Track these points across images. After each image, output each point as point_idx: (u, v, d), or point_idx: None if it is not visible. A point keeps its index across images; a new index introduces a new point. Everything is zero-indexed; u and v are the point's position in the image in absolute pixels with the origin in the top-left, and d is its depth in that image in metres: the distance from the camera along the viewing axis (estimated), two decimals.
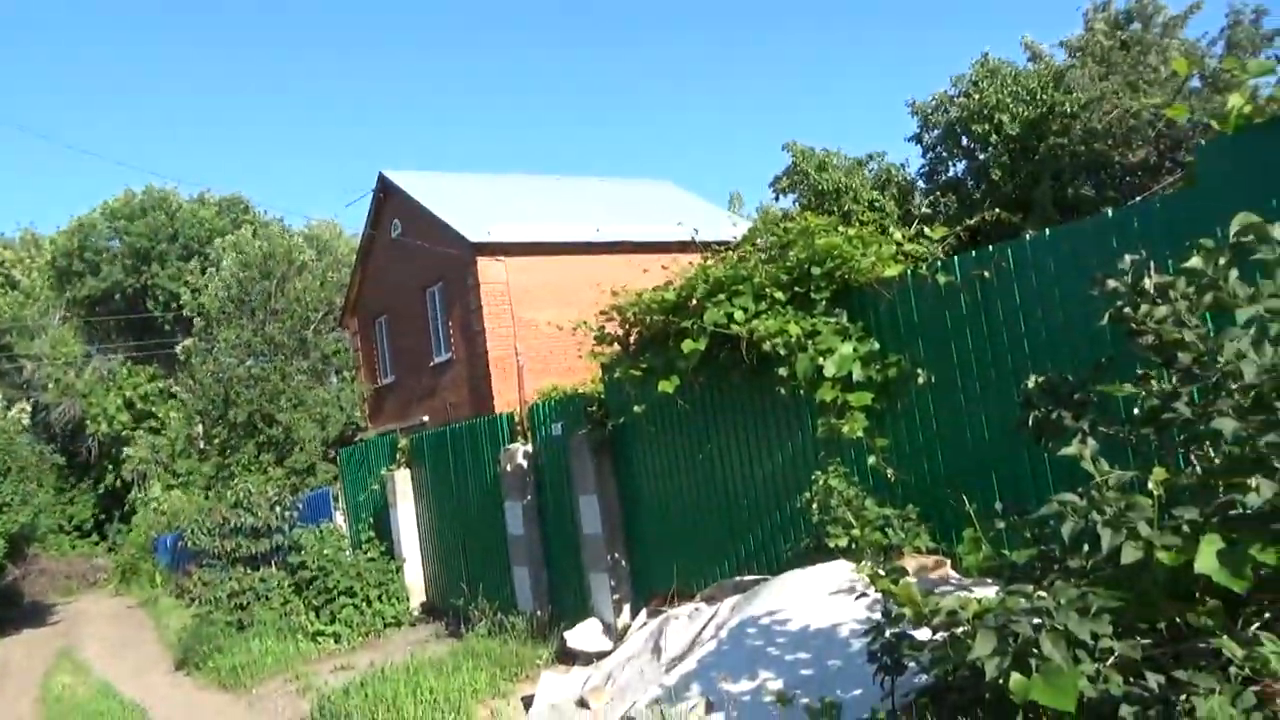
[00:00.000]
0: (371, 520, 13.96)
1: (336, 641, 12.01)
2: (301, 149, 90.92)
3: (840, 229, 7.01)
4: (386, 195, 22.54)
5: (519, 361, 13.28)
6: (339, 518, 15.31)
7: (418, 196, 21.00)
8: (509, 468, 10.45)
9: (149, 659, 15.47)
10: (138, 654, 16.16)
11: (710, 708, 5.09)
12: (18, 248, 44.40)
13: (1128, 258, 3.17)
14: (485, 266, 18.86)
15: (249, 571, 14.16)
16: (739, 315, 6.81)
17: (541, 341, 18.56)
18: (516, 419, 10.96)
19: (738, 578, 7.14)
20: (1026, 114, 20.22)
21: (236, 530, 14.54)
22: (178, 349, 32.65)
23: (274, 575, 13.87)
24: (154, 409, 35.59)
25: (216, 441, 23.73)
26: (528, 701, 7.39)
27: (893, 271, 6.41)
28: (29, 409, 32.09)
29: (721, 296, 7.02)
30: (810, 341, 6.42)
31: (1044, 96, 20.13)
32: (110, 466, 36.26)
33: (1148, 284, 3.09)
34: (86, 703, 12.07)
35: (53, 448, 35.10)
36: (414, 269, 21.16)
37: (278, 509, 14.83)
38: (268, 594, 13.51)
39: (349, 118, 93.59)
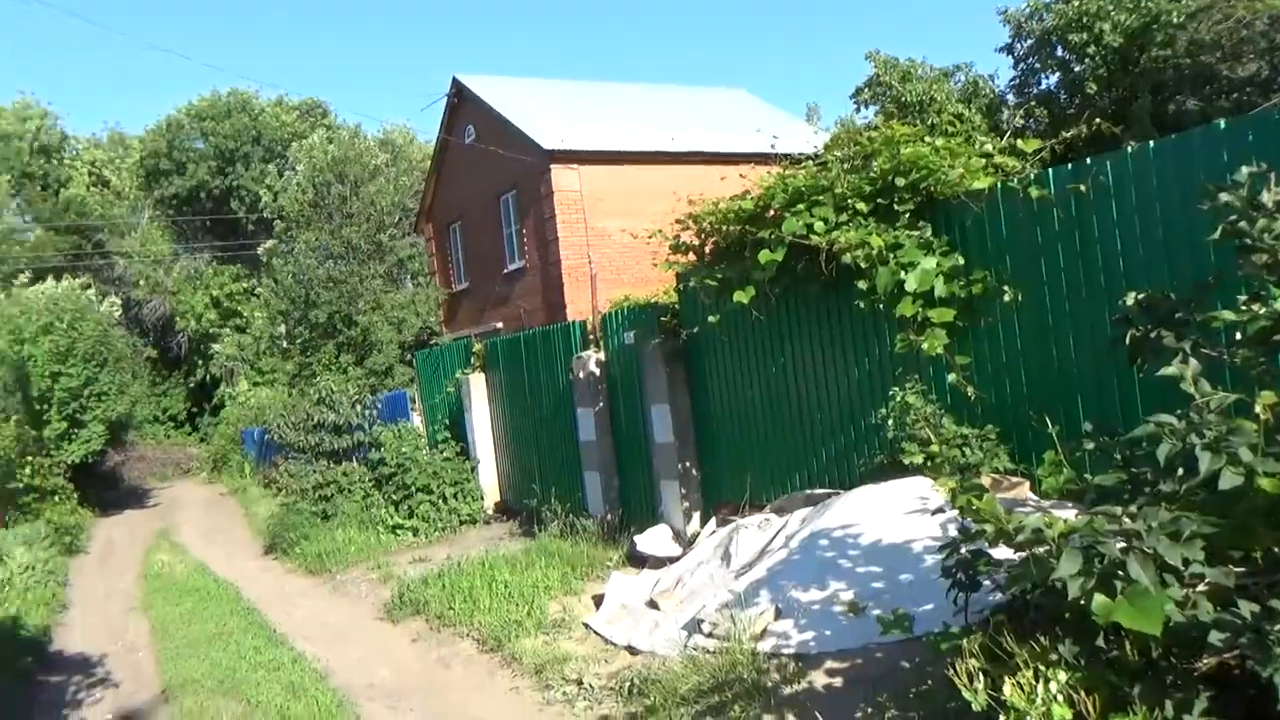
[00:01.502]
0: (447, 422, 14.35)
1: (414, 535, 12.52)
2: (378, 53, 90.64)
3: (927, 139, 6.77)
4: (461, 100, 22.41)
5: (592, 270, 13.29)
6: (415, 418, 15.77)
7: (492, 102, 20.83)
8: (581, 375, 10.59)
9: (239, 543, 16.39)
10: (229, 538, 17.12)
11: (779, 614, 5.20)
12: (107, 147, 45.67)
13: (1244, 170, 3.00)
14: (559, 174, 18.75)
15: (332, 465, 14.75)
16: (819, 226, 6.69)
17: (614, 251, 18.52)
18: (589, 327, 11.05)
19: (809, 490, 7.19)
20: (1129, 23, 18.98)
21: (320, 426, 15.11)
22: (260, 250, 33.48)
23: (355, 470, 14.42)
24: (239, 308, 36.81)
25: (298, 341, 24.48)
26: (598, 600, 7.64)
27: (982, 184, 6.19)
28: (119, 303, 33.41)
29: (801, 207, 6.89)
30: (892, 255, 6.29)
31: (1148, 4, 18.84)
32: (200, 362, 37.85)
33: (1266, 198, 2.93)
34: (184, 580, 12.90)
35: (145, 342, 36.78)
36: (487, 175, 21.16)
37: (358, 407, 15.33)
38: (350, 487, 14.08)
39: (425, 21, 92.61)
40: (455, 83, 22.34)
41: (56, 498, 18.92)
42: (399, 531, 12.68)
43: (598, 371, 10.46)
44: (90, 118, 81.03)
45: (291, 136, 37.79)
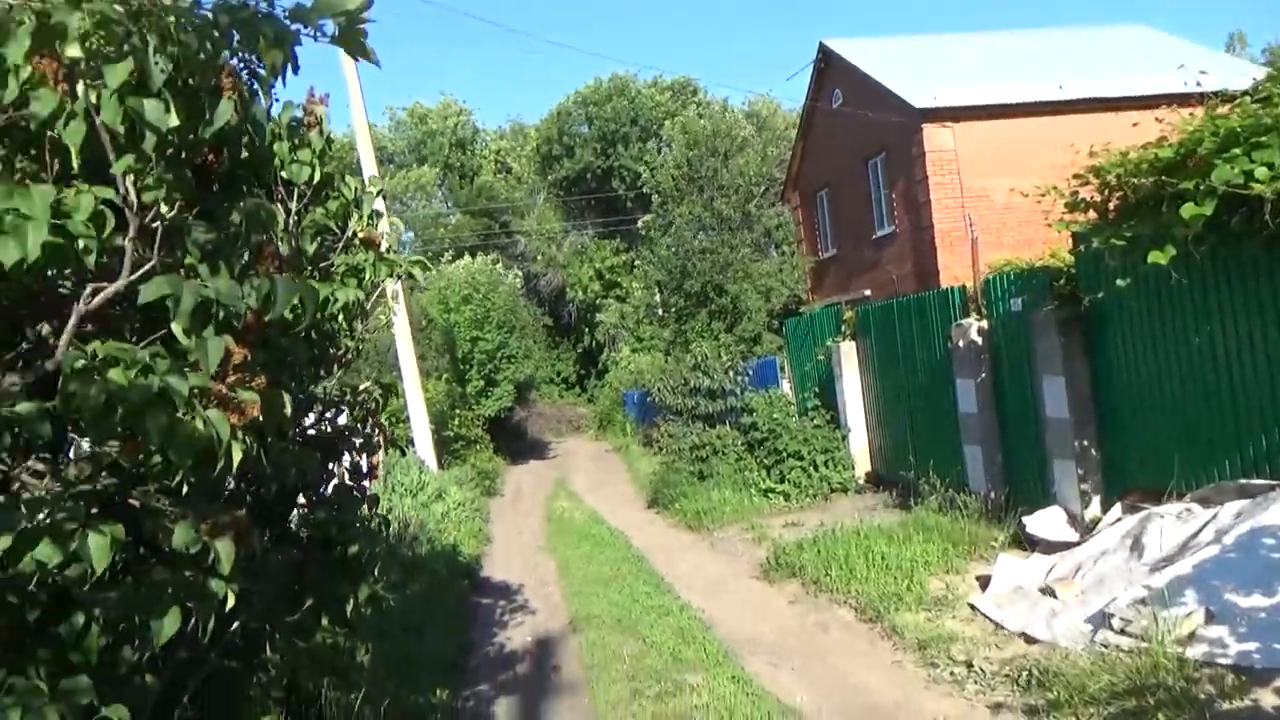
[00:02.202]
0: (816, 389, 14.44)
1: (785, 500, 12.81)
2: (742, 27, 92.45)
3: None
4: (827, 65, 22.17)
5: (972, 233, 12.53)
6: (785, 385, 16.07)
7: (860, 64, 20.36)
8: (961, 344, 10.10)
9: (624, 496, 17.86)
10: (615, 491, 18.72)
11: (1210, 618, 4.62)
12: (509, 137, 51.53)
13: None
14: (931, 134, 17.90)
15: (706, 428, 15.52)
16: (1260, 173, 5.75)
17: (992, 212, 17.35)
18: (969, 293, 10.48)
19: (1242, 481, 6.27)
20: None
21: (695, 390, 15.95)
22: (639, 224, 35.92)
23: (728, 434, 15.04)
24: (619, 279, 39.87)
25: (673, 309, 25.96)
26: (983, 581, 7.31)
27: None
28: (521, 276, 37.72)
29: (1236, 151, 5.95)
30: None
31: None
32: (586, 329, 41.67)
33: None
34: (581, 525, 14.36)
35: (542, 311, 41.22)
36: (855, 140, 20.78)
37: (730, 373, 15.95)
38: (723, 450, 14.73)
39: None
40: (822, 48, 22.14)
41: (478, 446, 21.96)
42: (770, 495, 13.05)
43: (979, 340, 9.91)
44: (496, 112, 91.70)
45: (665, 115, 39.92)
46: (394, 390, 4.85)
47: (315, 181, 3.60)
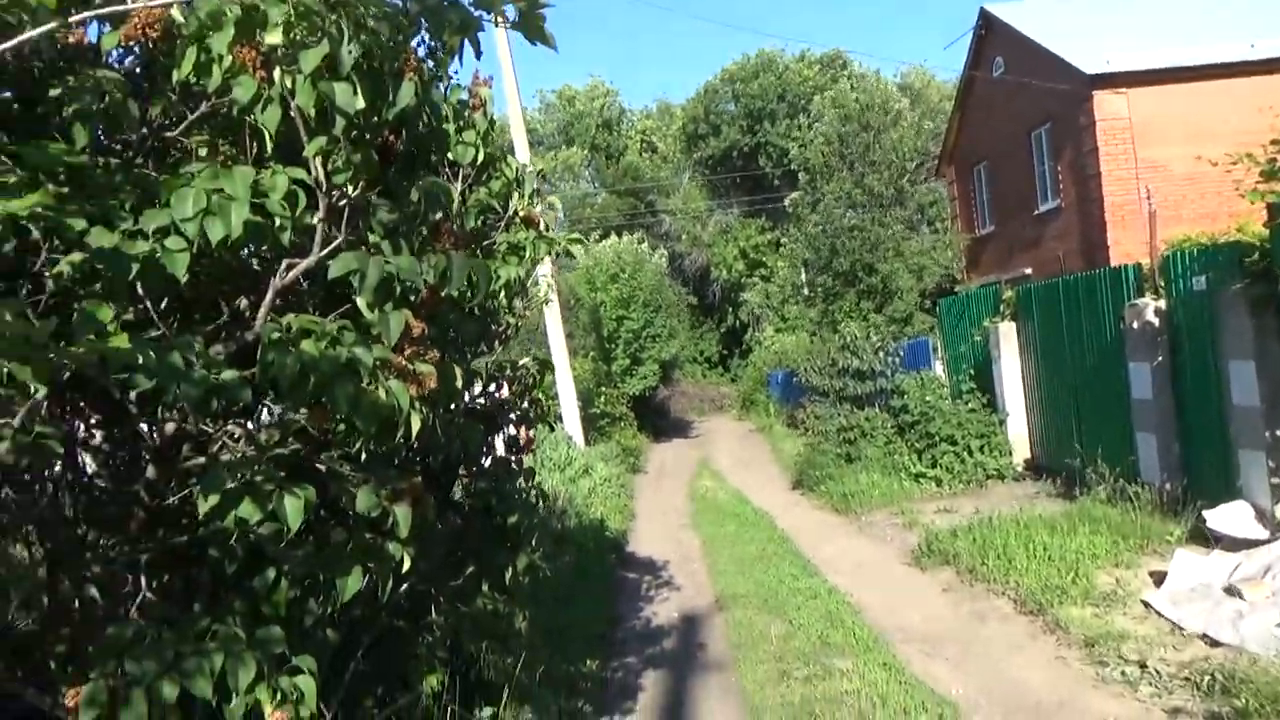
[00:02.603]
0: (972, 372, 13.87)
1: (938, 485, 12.40)
2: None
3: None
4: (988, 31, 21.09)
5: (1150, 206, 11.68)
6: (938, 367, 15.51)
7: (1024, 29, 19.26)
8: (1135, 325, 9.45)
9: (768, 477, 17.74)
10: (759, 471, 18.62)
11: None
12: (655, 117, 51.76)
13: None
14: (1102, 101, 16.77)
15: (854, 410, 15.19)
16: None
17: (1170, 184, 16.16)
18: (1145, 271, 9.78)
19: None
20: None
21: (843, 371, 15.64)
22: (785, 202, 35.43)
23: (877, 416, 14.67)
24: (764, 259, 39.49)
25: (820, 289, 25.50)
26: (1157, 577, 6.86)
27: None
28: (665, 255, 37.90)
29: None
30: None
31: None
32: (730, 309, 41.53)
33: None
34: (725, 505, 14.37)
35: (686, 290, 41.37)
36: (1017, 110, 19.72)
37: (880, 354, 15.54)
38: (872, 433, 14.38)
39: None
40: (982, 14, 21.08)
41: (622, 424, 22.30)
42: (921, 480, 12.66)
43: (1156, 321, 9.25)
44: (642, 92, 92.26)
45: (813, 90, 39.12)
46: (550, 367, 4.97)
47: (479, 162, 3.71)
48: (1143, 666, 5.42)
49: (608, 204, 45.00)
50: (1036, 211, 19.48)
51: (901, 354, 16.32)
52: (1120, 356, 9.83)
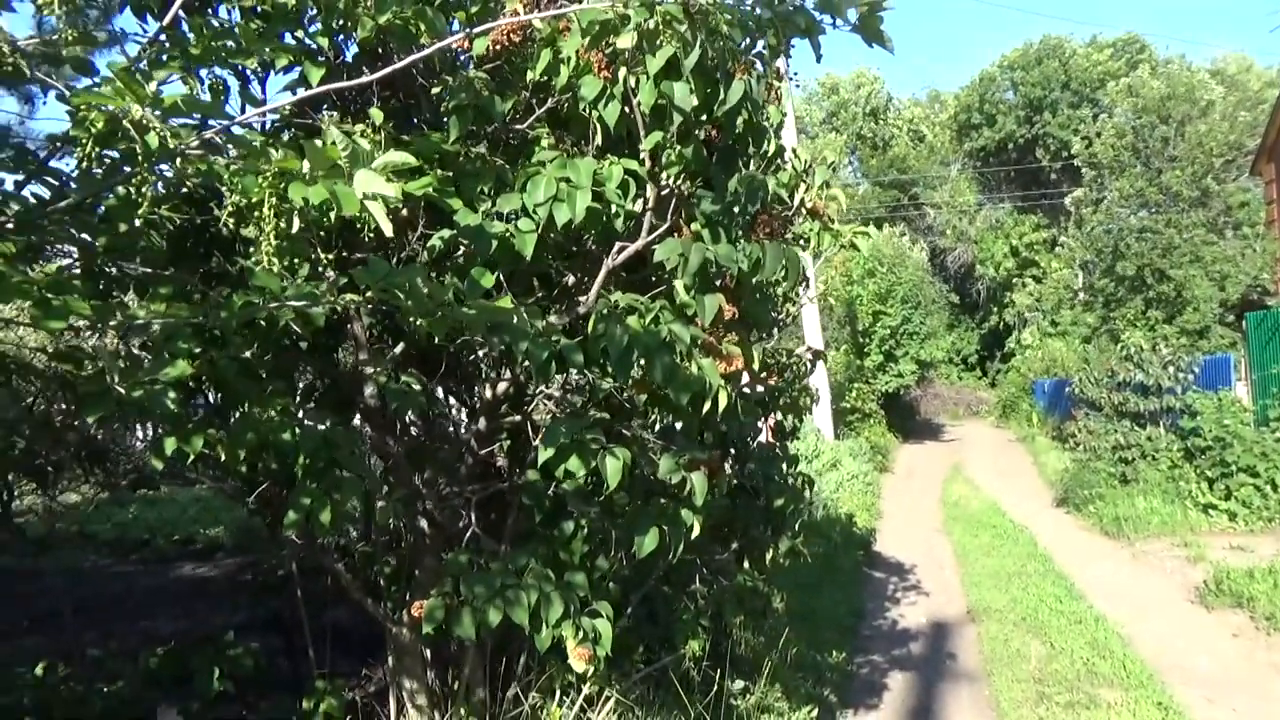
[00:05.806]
0: None
1: (1230, 519, 11.15)
2: None
3: None
4: None
5: None
6: (1239, 388, 13.91)
7: None
8: None
9: (1029, 490, 16.69)
10: (1018, 483, 17.55)
11: None
12: (925, 105, 49.71)
13: None
14: None
15: (1134, 427, 13.94)
16: None
17: None
18: None
19: None
20: None
21: (1124, 385, 14.37)
22: (1066, 200, 32.95)
23: (1161, 436, 13.39)
24: (1037, 258, 36.93)
25: (1101, 294, 23.52)
26: None
27: None
28: (927, 250, 36.37)
29: None
30: None
31: None
32: (995, 309, 39.23)
33: None
34: (979, 514, 13.73)
35: (948, 288, 39.58)
36: None
37: (1170, 369, 14.12)
38: (1154, 454, 13.15)
39: None
40: None
41: (871, 421, 21.81)
42: (1211, 512, 11.42)
43: None
44: (911, 81, 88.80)
45: (1103, 78, 35.99)
46: (823, 356, 5.03)
47: (769, 154, 3.84)
48: None
49: (868, 194, 43.85)
50: None
51: (1196, 370, 14.75)
52: None
